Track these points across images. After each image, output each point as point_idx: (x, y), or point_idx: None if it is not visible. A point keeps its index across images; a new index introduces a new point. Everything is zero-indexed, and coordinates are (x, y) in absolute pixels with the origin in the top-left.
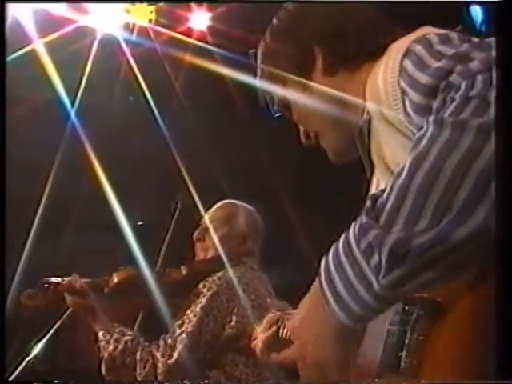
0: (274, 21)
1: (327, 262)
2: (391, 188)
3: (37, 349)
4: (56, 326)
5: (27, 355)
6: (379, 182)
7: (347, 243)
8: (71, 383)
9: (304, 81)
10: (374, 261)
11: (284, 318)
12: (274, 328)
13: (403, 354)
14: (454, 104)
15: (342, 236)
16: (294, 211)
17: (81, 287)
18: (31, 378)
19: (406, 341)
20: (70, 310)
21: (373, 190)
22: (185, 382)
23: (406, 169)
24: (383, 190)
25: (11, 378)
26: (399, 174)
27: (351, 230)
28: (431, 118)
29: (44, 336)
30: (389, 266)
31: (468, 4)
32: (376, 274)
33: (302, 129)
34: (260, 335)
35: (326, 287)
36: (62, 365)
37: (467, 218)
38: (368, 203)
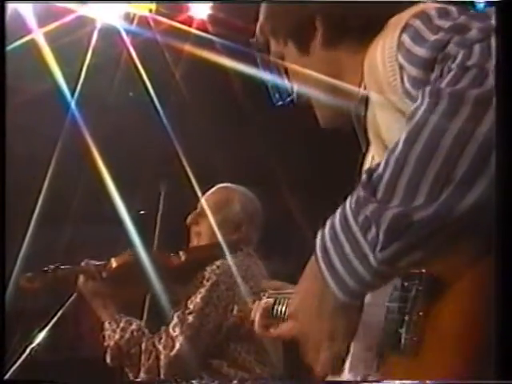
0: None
1: (323, 235)
2: (387, 160)
3: (39, 337)
4: (58, 315)
5: (30, 343)
6: (374, 160)
7: (344, 217)
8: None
9: (302, 47)
10: (371, 234)
11: (281, 296)
12: (269, 306)
13: (403, 330)
14: (451, 74)
15: (339, 210)
16: (295, 198)
17: (91, 271)
18: (33, 370)
19: (406, 317)
20: (72, 298)
21: (367, 166)
22: (180, 381)
23: (402, 141)
24: (379, 164)
25: (14, 367)
26: (395, 146)
27: (347, 204)
28: (427, 89)
29: (46, 325)
30: (386, 240)
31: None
32: (373, 247)
33: (295, 87)
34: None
35: (321, 262)
36: (64, 353)
37: (467, 191)
38: (364, 177)
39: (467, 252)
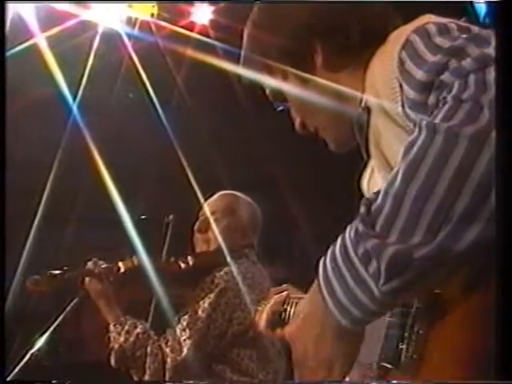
0: (256, 9)
1: (325, 265)
2: (385, 194)
3: (40, 342)
4: (59, 319)
5: (31, 348)
6: (372, 173)
7: (344, 248)
8: (68, 382)
9: (303, 75)
10: (372, 268)
11: (290, 299)
12: (278, 307)
13: (403, 347)
14: (446, 107)
15: (338, 240)
16: (295, 203)
17: (99, 273)
18: (34, 373)
19: (406, 334)
20: (74, 302)
21: (366, 178)
22: (190, 382)
23: (400, 175)
24: (377, 194)
25: (15, 371)
26: (393, 179)
27: (347, 235)
28: (423, 123)
29: (47, 330)
30: (388, 275)
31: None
32: (376, 280)
33: (298, 119)
34: (265, 312)
35: (324, 291)
36: (65, 358)
37: (465, 230)
38: (362, 209)
39: (467, 280)
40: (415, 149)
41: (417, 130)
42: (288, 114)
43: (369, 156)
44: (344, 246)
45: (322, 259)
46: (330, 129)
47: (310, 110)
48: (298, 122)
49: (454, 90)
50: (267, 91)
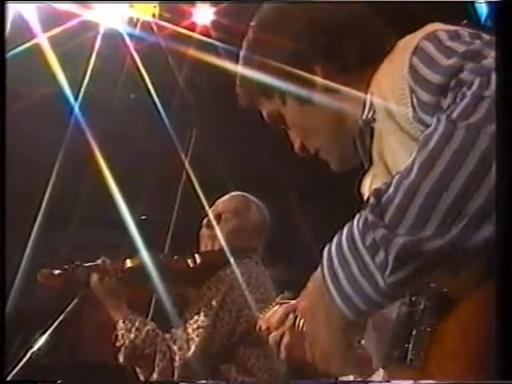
0: (252, 31)
1: (330, 253)
2: (398, 185)
3: (41, 341)
4: (60, 319)
5: (31, 347)
6: (373, 180)
7: (351, 237)
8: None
9: (301, 98)
10: (379, 258)
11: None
12: (291, 321)
13: (410, 345)
14: (466, 101)
15: (345, 229)
16: (299, 206)
17: (107, 270)
18: (34, 372)
19: (414, 332)
20: (74, 302)
21: (367, 185)
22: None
23: (415, 167)
24: (388, 185)
25: (15, 371)
26: (408, 171)
27: (355, 225)
28: (443, 117)
29: (48, 329)
30: (396, 266)
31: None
32: (382, 271)
33: (298, 141)
34: (277, 330)
35: (328, 279)
36: (65, 358)
37: (478, 228)
38: (372, 199)
39: (475, 275)
40: (433, 142)
41: (434, 123)
42: (287, 136)
43: (371, 163)
44: (351, 235)
45: (327, 247)
46: (332, 148)
47: (310, 131)
48: (297, 144)
49: (475, 87)
50: (264, 115)
